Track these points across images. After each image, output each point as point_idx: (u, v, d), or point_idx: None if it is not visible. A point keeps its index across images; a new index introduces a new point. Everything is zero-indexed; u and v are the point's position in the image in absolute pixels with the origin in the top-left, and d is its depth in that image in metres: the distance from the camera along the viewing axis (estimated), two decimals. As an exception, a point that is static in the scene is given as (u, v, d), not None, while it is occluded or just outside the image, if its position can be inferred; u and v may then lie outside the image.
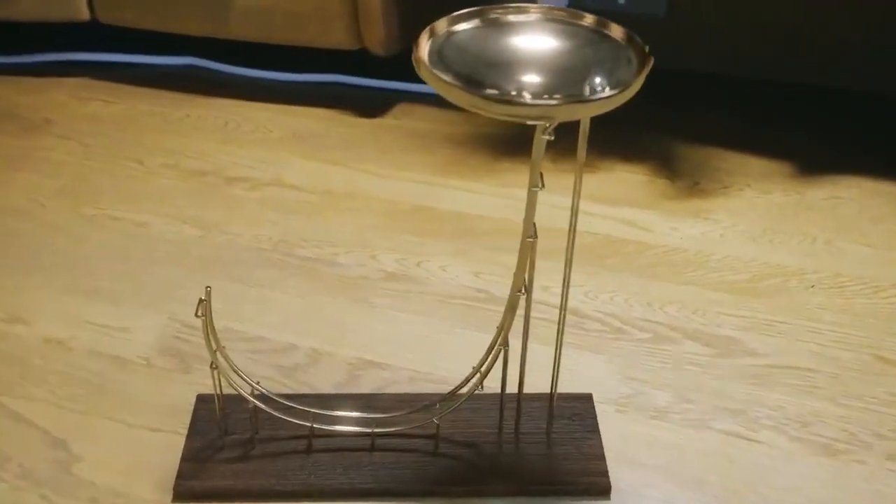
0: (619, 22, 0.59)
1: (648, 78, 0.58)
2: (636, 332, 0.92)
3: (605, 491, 0.75)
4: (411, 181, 1.14)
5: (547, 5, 0.63)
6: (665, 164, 1.18)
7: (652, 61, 0.57)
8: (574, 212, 0.69)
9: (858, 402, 0.85)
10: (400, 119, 1.27)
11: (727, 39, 1.34)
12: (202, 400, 0.82)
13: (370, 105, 1.30)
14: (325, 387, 0.85)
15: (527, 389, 0.77)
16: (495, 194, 1.12)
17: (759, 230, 1.06)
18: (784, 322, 0.93)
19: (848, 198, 1.12)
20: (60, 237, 1.03)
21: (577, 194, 0.68)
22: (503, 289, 0.97)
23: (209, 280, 0.96)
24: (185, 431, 0.80)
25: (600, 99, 0.55)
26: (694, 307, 0.95)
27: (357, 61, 1.30)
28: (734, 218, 1.08)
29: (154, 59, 1.40)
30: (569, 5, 1.32)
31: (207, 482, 0.74)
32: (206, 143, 1.21)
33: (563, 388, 0.80)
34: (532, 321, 0.80)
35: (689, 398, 0.85)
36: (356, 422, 0.78)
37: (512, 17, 0.61)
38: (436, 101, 1.32)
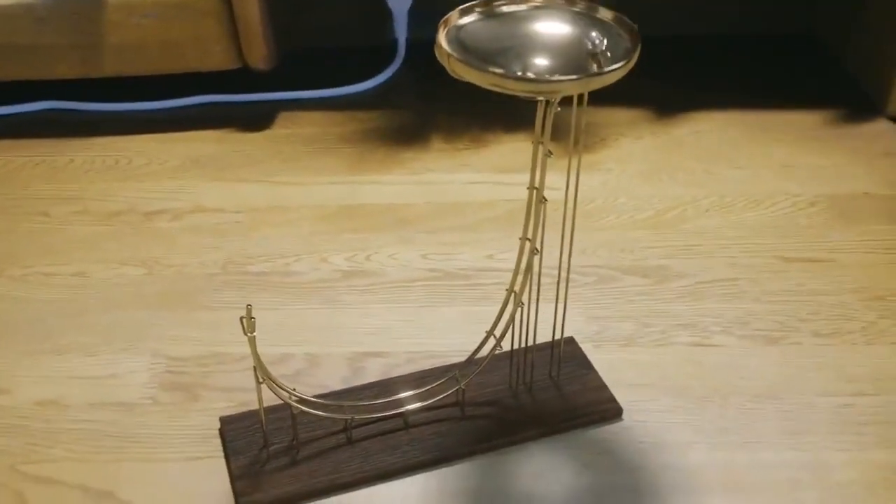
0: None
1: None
2: (582, 279, 1.03)
3: (618, 413, 0.86)
4: (328, 184, 1.19)
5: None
6: (543, 128, 1.30)
7: (640, 38, 0.67)
8: (575, 174, 0.77)
9: (777, 297, 1.00)
10: (288, 128, 1.31)
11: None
12: (227, 422, 0.85)
13: (254, 119, 1.33)
14: (335, 384, 0.90)
15: (516, 345, 0.86)
16: (410, 182, 1.19)
17: (646, 171, 1.21)
18: (697, 244, 1.08)
19: (708, 130, 1.29)
20: (0, 304, 1.00)
21: (577, 159, 0.76)
22: (453, 264, 1.05)
23: (175, 314, 0.98)
24: (221, 455, 0.82)
25: (609, 72, 0.64)
26: (620, 247, 1.08)
27: (222, 79, 1.32)
28: (621, 165, 1.22)
29: (10, 109, 1.34)
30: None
31: (269, 492, 0.78)
32: (105, 184, 1.19)
33: (543, 337, 0.90)
34: (498, 286, 0.88)
35: (647, 323, 0.97)
36: (392, 405, 0.84)
37: (509, 8, 0.69)
38: (315, 104, 1.37)
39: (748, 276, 1.03)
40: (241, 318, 0.73)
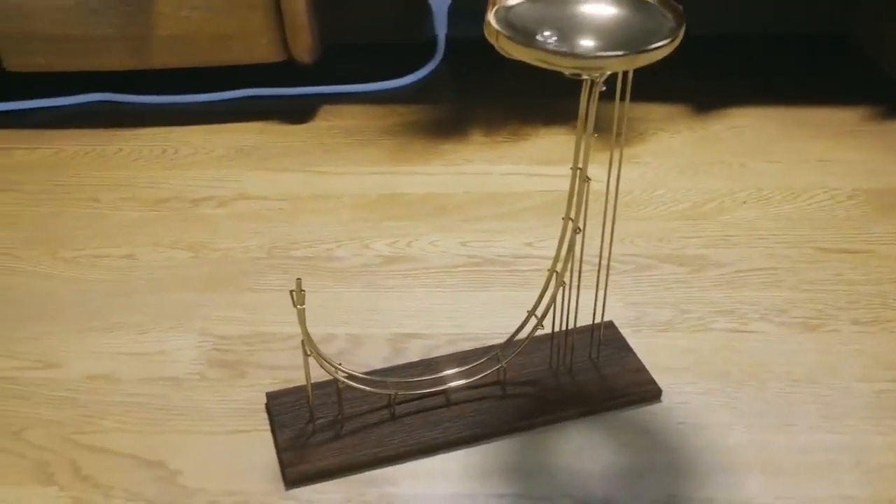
0: None
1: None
2: (621, 266, 1.04)
3: (657, 395, 0.87)
4: (368, 174, 1.21)
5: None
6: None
7: (684, 18, 0.68)
8: (618, 156, 0.79)
9: (816, 286, 1.01)
10: (330, 121, 1.34)
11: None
12: (273, 397, 0.87)
13: (295, 112, 1.36)
14: (378, 363, 0.91)
15: (557, 326, 0.87)
16: (449, 173, 1.21)
17: (684, 164, 1.22)
18: (734, 235, 1.09)
19: (744, 126, 1.30)
20: (52, 284, 1.03)
21: (621, 141, 0.78)
22: (492, 251, 1.07)
23: (222, 295, 1.00)
24: (266, 428, 0.84)
25: (655, 48, 0.66)
26: (658, 236, 1.09)
27: (266, 72, 1.35)
28: (659, 158, 1.23)
29: (62, 101, 1.38)
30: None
31: (315, 464, 0.80)
32: (153, 172, 1.23)
33: (583, 322, 0.91)
34: (537, 272, 0.89)
35: (685, 309, 0.98)
36: (434, 382, 0.86)
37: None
38: (355, 98, 1.40)
39: (786, 265, 1.04)
40: (291, 292, 0.75)
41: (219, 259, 1.06)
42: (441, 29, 1.46)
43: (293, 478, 0.79)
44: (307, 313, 0.76)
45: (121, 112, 1.37)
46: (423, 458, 0.81)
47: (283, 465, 0.80)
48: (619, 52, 0.66)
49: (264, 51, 1.25)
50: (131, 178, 1.21)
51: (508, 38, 0.67)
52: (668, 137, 1.28)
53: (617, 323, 0.95)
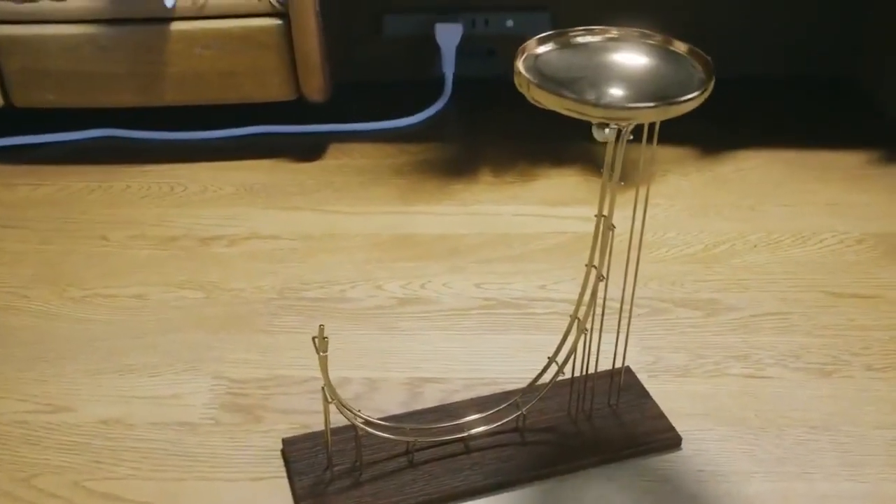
0: (510, 40, 0.70)
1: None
2: (635, 310, 1.03)
3: (677, 443, 0.86)
4: (380, 213, 1.21)
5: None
6: (590, 164, 1.32)
7: (713, 69, 0.69)
8: (643, 203, 0.79)
9: (829, 331, 1.01)
10: (340, 159, 1.34)
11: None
12: (289, 443, 0.86)
13: (305, 150, 1.35)
14: (393, 408, 0.91)
15: (577, 372, 0.87)
16: (460, 213, 1.21)
17: (694, 206, 1.22)
18: (746, 279, 1.09)
19: (752, 168, 1.30)
20: (61, 324, 1.02)
21: (646, 189, 0.78)
22: (506, 293, 1.06)
23: (236, 336, 1.00)
24: (283, 475, 0.83)
25: (685, 100, 0.66)
26: (671, 280, 1.09)
27: (269, 110, 1.35)
28: (669, 200, 1.24)
29: (67, 136, 1.38)
30: (464, 31, 1.45)
31: (334, 512, 0.79)
32: (162, 210, 1.22)
33: (600, 366, 0.90)
34: (552, 315, 0.89)
35: (700, 354, 0.98)
36: (453, 430, 0.85)
37: (584, 39, 0.71)
38: (365, 136, 1.40)
39: (799, 310, 1.04)
40: (314, 338, 0.75)
41: (231, 300, 1.05)
42: (449, 68, 1.47)
43: (313, 526, 0.78)
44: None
45: (128, 148, 1.37)
46: (443, 506, 0.81)
47: (302, 514, 0.79)
48: (651, 104, 0.66)
49: (276, 89, 1.25)
50: (140, 215, 1.21)
51: (539, 86, 0.67)
52: (677, 179, 1.28)
53: (633, 367, 0.95)
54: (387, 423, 0.83)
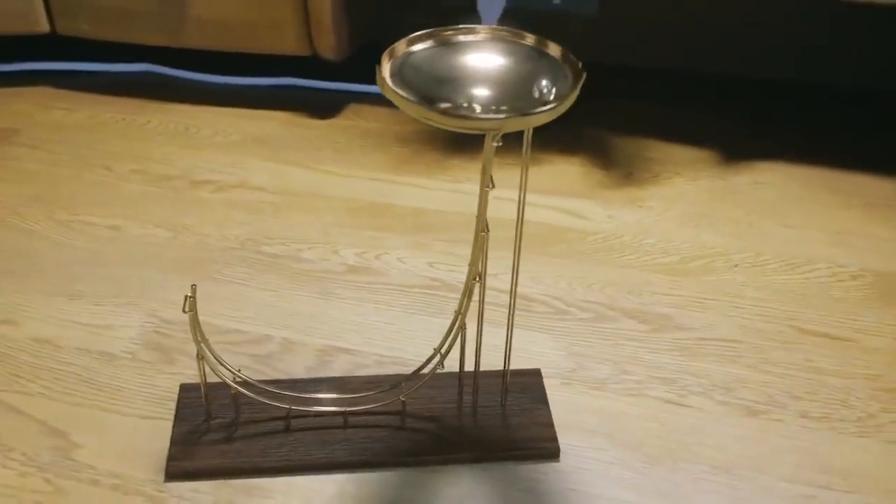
0: (554, 20, 0.67)
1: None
2: (579, 313, 1.01)
3: (555, 454, 0.84)
4: (368, 179, 1.22)
5: (491, 25, 0.72)
6: (600, 155, 1.28)
7: (584, 76, 0.65)
8: (521, 205, 0.77)
9: (777, 369, 0.95)
10: (353, 119, 1.35)
11: (653, 36, 1.44)
12: (185, 389, 0.89)
13: (323, 107, 1.38)
14: (299, 372, 0.93)
15: (482, 367, 0.86)
16: (447, 189, 1.20)
17: (689, 215, 1.16)
18: (711, 299, 1.03)
19: (768, 182, 1.22)
20: (40, 244, 1.09)
21: (523, 191, 0.76)
22: (456, 276, 1.06)
23: (184, 279, 1.04)
24: (171, 418, 0.87)
25: (541, 112, 0.64)
26: (630, 288, 1.05)
27: (308, 64, 1.37)
28: (666, 204, 1.18)
29: (112, 67, 1.46)
30: (507, 5, 1.42)
31: (196, 462, 0.82)
32: (170, 149, 1.27)
33: (514, 365, 0.89)
34: (495, 306, 0.88)
35: (626, 370, 0.94)
36: (330, 402, 0.86)
37: (462, 38, 0.69)
38: (385, 101, 1.40)
39: (753, 341, 0.98)
40: (186, 296, 0.77)
41: (195, 244, 1.10)
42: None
43: (173, 472, 0.82)
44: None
45: (164, 85, 1.43)
46: (301, 475, 0.82)
47: (168, 458, 0.82)
48: (503, 116, 0.64)
49: (291, 43, 1.27)
50: (148, 151, 1.27)
51: (403, 98, 0.66)
52: (682, 183, 1.22)
53: (550, 372, 0.93)
54: (265, 388, 0.85)
